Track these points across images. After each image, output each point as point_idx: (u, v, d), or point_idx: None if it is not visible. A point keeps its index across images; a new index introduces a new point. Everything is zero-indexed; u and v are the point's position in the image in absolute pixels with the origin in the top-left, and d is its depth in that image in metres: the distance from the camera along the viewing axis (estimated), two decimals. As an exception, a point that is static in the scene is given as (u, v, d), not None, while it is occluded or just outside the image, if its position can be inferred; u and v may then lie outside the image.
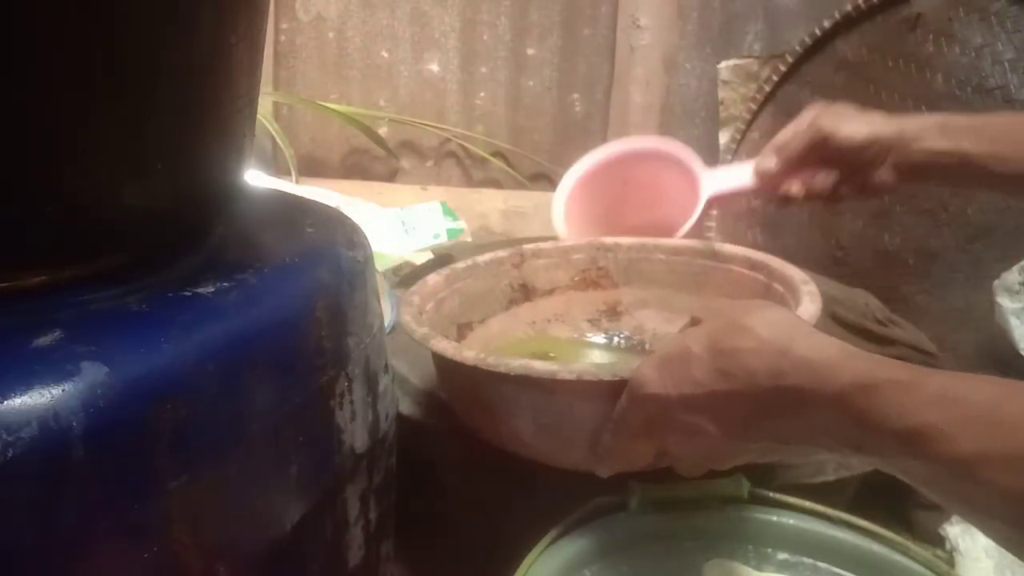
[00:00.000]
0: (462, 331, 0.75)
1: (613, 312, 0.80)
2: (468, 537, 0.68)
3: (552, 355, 0.76)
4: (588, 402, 0.52)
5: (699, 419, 0.44)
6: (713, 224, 1.32)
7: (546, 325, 0.80)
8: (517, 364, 0.52)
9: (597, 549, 0.53)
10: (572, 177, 0.88)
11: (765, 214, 1.26)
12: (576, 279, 0.80)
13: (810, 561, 0.54)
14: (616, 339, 0.80)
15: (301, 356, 0.42)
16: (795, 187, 0.74)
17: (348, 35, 1.51)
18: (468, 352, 0.55)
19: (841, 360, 0.39)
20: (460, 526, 0.70)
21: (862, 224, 1.12)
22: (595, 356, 0.78)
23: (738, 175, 0.80)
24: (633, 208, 0.88)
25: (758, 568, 0.53)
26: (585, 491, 0.54)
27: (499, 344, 0.76)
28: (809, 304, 0.59)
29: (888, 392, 0.36)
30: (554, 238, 0.85)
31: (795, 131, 0.73)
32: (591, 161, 0.89)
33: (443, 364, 0.60)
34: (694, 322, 0.49)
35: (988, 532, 0.35)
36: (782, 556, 0.54)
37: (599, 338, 0.80)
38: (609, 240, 0.80)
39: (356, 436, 0.48)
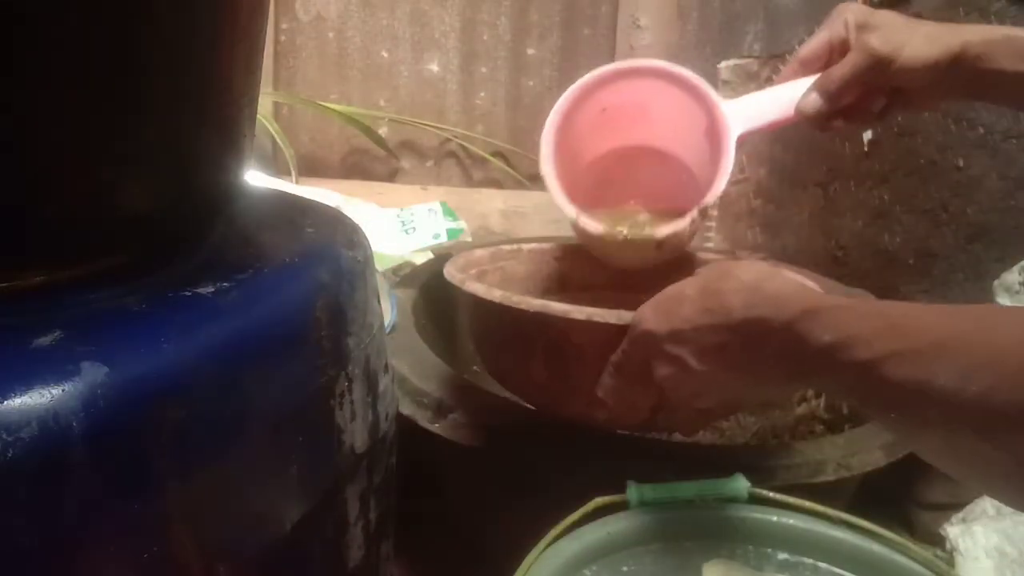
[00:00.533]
0: None
1: None
2: (468, 537, 0.68)
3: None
4: (594, 344, 0.56)
5: (683, 351, 0.49)
6: (713, 224, 1.32)
7: None
8: (537, 303, 0.58)
9: (597, 549, 0.53)
10: (558, 111, 0.75)
11: (765, 214, 1.26)
12: (611, 281, 0.82)
13: (810, 561, 0.54)
14: None
15: (301, 356, 0.42)
16: (838, 121, 0.67)
17: (348, 35, 1.51)
18: (496, 292, 0.60)
19: (798, 292, 0.45)
20: (460, 526, 0.70)
21: (862, 224, 1.12)
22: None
23: (770, 105, 0.68)
24: (608, 135, 0.77)
25: (758, 568, 0.53)
26: (585, 491, 0.55)
27: None
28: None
29: (829, 313, 0.42)
30: (550, 239, 0.85)
31: (829, 39, 0.64)
32: (574, 89, 0.75)
33: (475, 307, 0.65)
34: (694, 274, 0.53)
35: (890, 426, 0.41)
36: (782, 556, 0.54)
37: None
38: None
39: (356, 436, 0.48)
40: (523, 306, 0.57)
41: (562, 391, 0.61)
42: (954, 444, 0.37)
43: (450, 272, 0.66)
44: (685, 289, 0.50)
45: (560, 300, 0.80)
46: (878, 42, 0.61)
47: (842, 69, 0.63)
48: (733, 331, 0.46)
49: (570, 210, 0.71)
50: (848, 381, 0.41)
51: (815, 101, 0.65)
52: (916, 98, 0.65)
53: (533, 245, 0.82)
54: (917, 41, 0.61)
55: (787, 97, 0.67)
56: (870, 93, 0.65)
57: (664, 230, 0.69)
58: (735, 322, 0.46)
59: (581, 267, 0.82)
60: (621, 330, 0.54)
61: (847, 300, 0.43)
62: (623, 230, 0.71)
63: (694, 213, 0.68)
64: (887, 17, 0.63)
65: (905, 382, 0.37)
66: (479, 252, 0.77)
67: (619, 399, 0.56)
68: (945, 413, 0.36)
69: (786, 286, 0.46)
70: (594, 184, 0.77)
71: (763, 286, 0.46)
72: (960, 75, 0.61)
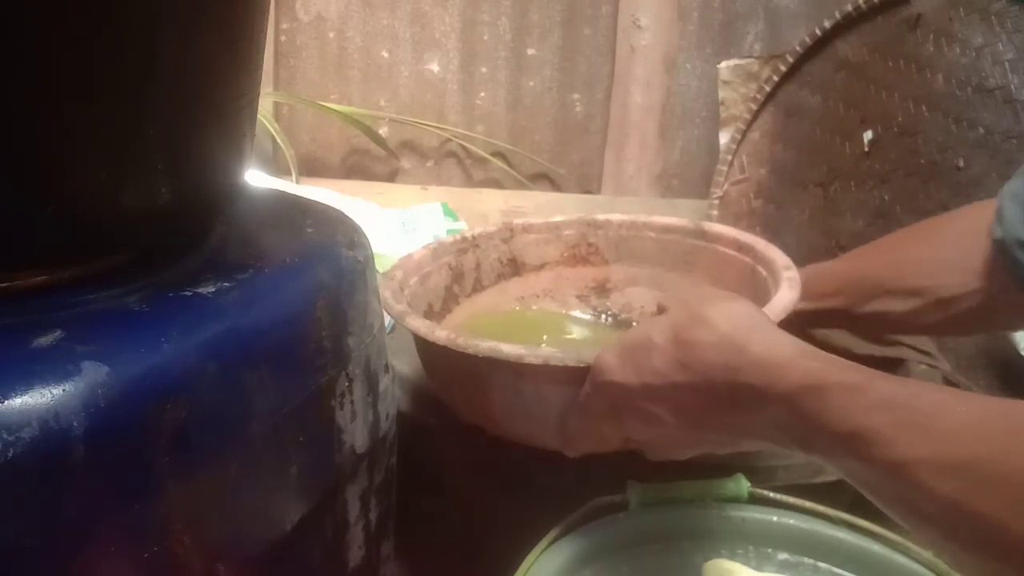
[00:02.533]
0: (447, 304, 0.74)
1: (602, 289, 0.79)
2: (468, 537, 0.68)
3: (536, 332, 0.75)
4: (555, 385, 0.53)
5: (658, 408, 0.45)
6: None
7: (534, 300, 0.79)
8: (485, 346, 0.53)
9: (597, 549, 0.53)
10: None
11: (765, 214, 1.26)
12: (566, 255, 0.79)
13: (810, 561, 0.54)
14: (604, 317, 0.78)
15: (301, 356, 0.42)
16: None
17: (348, 35, 1.51)
18: (440, 332, 0.55)
19: (793, 359, 0.40)
20: (460, 526, 0.70)
21: (862, 224, 1.12)
22: (580, 332, 0.76)
23: None
24: None
25: (758, 568, 0.53)
26: (585, 491, 0.54)
27: (484, 319, 0.76)
28: (787, 291, 0.58)
29: (835, 394, 0.37)
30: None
31: None
32: None
33: (419, 342, 0.60)
34: (660, 310, 0.49)
35: (921, 536, 0.36)
36: (782, 556, 0.54)
37: (587, 314, 0.78)
38: (600, 217, 0.79)
39: (356, 436, 0.48)
40: (471, 351, 0.53)
41: (523, 426, 0.57)
42: (991, 572, 0.33)
43: (386, 299, 0.60)
44: (653, 336, 0.45)
45: (515, 284, 0.77)
46: None
47: None
48: (716, 394, 0.42)
49: None
50: (867, 477, 0.36)
51: None
52: None
53: (477, 231, 0.77)
54: None
55: None
56: None
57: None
58: (718, 385, 0.42)
59: (532, 245, 0.79)
60: (580, 371, 0.50)
61: (852, 374, 0.38)
62: None
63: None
64: None
65: (942, 497, 0.32)
66: (419, 254, 0.72)
67: (587, 437, 0.52)
68: (992, 545, 0.31)
69: (770, 347, 0.41)
70: None
71: (748, 345, 0.41)
72: None
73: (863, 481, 0.37)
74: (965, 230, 0.62)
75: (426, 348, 0.60)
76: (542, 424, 0.55)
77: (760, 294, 0.63)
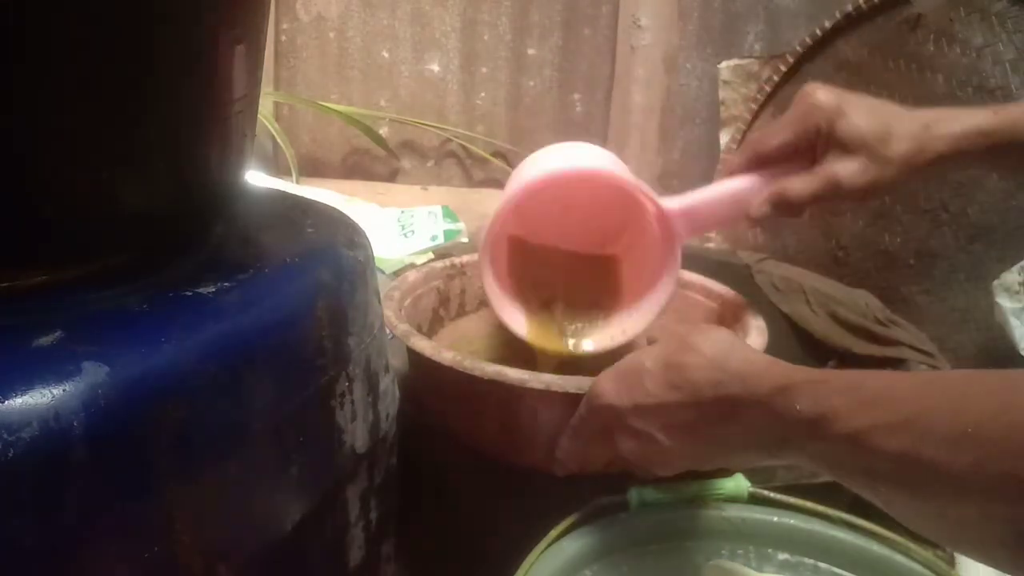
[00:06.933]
0: (434, 326, 0.79)
1: None
2: (468, 537, 0.68)
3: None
4: (551, 408, 0.56)
5: (650, 427, 0.49)
6: (713, 224, 1.32)
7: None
8: (491, 369, 0.56)
9: (597, 549, 0.53)
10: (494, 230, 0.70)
11: (765, 214, 1.26)
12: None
13: (810, 561, 0.54)
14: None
15: (301, 356, 0.42)
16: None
17: (349, 35, 1.51)
18: (446, 353, 0.58)
19: (766, 368, 0.45)
20: (460, 526, 0.70)
21: (862, 224, 1.12)
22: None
23: (719, 207, 0.63)
24: (543, 232, 0.77)
25: (758, 568, 0.53)
26: (585, 491, 0.55)
27: (468, 340, 0.81)
28: (756, 337, 0.63)
29: (802, 389, 0.42)
30: None
31: (795, 137, 0.60)
32: (517, 192, 0.69)
33: (419, 360, 0.63)
34: (650, 341, 0.54)
35: (885, 502, 0.40)
36: (782, 556, 0.54)
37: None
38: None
39: (357, 436, 0.48)
40: (476, 372, 0.56)
41: (514, 443, 0.60)
42: (948, 515, 0.36)
43: (389, 317, 0.63)
44: (644, 362, 0.50)
45: (494, 313, 0.77)
46: (853, 174, 0.56)
47: (805, 189, 0.58)
48: (702, 409, 0.46)
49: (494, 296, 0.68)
50: (831, 454, 0.41)
51: (767, 213, 0.60)
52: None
53: (465, 258, 0.81)
54: (901, 147, 0.56)
55: (736, 197, 0.62)
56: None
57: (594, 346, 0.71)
58: (704, 400, 0.46)
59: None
60: (579, 397, 0.54)
61: (817, 373, 0.43)
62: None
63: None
64: (864, 126, 0.56)
65: (891, 454, 0.37)
66: (413, 276, 0.76)
67: (576, 458, 0.56)
68: (936, 485, 0.36)
69: (747, 361, 0.45)
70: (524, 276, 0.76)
71: (728, 362, 0.46)
72: (948, 167, 0.58)
73: (830, 461, 0.41)
74: None
75: (426, 366, 0.62)
76: (533, 444, 0.59)
77: None
